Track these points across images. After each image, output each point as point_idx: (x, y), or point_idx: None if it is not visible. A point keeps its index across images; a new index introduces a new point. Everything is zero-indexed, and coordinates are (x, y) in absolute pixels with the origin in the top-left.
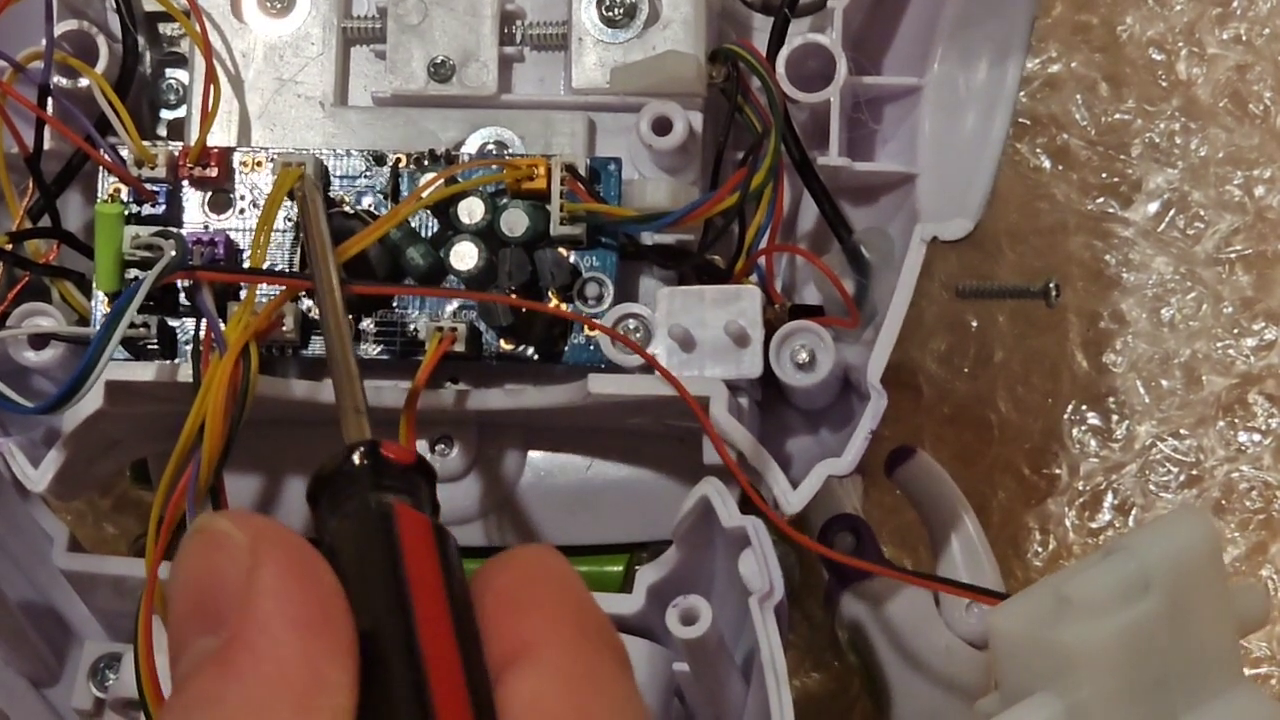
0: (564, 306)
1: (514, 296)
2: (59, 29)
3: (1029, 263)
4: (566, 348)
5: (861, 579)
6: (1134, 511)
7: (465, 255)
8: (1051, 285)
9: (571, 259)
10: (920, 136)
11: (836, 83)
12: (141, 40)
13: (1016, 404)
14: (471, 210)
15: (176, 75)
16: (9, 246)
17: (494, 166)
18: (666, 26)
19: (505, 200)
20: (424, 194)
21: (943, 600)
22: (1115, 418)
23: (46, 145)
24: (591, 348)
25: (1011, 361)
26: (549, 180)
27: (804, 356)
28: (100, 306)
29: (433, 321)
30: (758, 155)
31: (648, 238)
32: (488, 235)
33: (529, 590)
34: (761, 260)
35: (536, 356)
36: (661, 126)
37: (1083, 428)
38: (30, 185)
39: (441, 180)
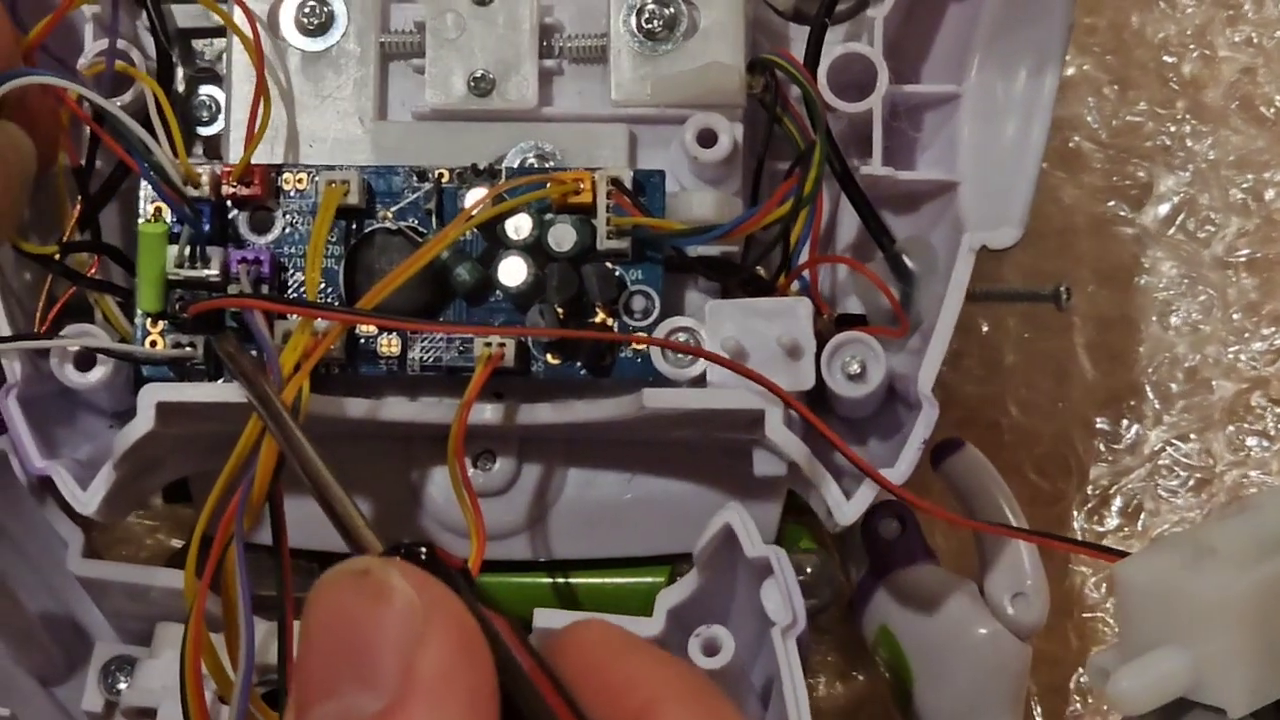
0: (610, 322)
1: (560, 313)
2: (93, 49)
3: (1039, 265)
4: (615, 361)
5: (905, 566)
6: (1142, 516)
7: (513, 271)
8: (1062, 289)
9: (616, 273)
10: (960, 144)
11: (878, 92)
12: (175, 57)
13: (1026, 408)
14: (519, 226)
15: (210, 92)
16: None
17: (539, 182)
18: (706, 38)
19: (550, 215)
20: (472, 214)
21: (988, 589)
22: (1124, 422)
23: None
24: (640, 361)
25: (1021, 365)
26: (595, 194)
27: (855, 368)
28: (143, 327)
29: (480, 338)
30: (806, 166)
31: (692, 250)
32: (534, 250)
33: (619, 654)
34: (805, 271)
35: (585, 371)
36: (706, 139)
37: (1092, 432)
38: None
39: (489, 199)
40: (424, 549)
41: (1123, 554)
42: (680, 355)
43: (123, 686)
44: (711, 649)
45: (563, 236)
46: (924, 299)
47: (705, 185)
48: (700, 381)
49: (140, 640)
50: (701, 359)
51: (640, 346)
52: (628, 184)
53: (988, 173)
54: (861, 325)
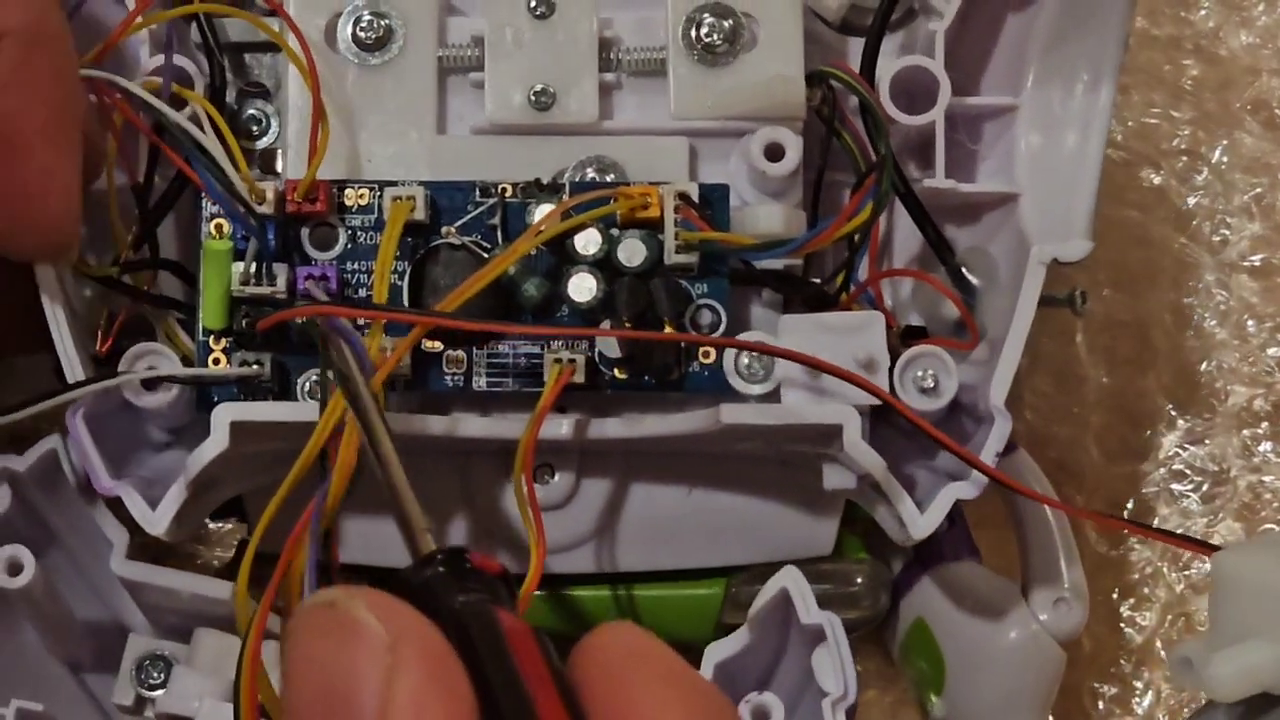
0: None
1: (628, 326)
2: (150, 65)
3: (1054, 270)
4: (684, 375)
5: (950, 561)
6: (1155, 521)
7: (584, 287)
8: (1078, 293)
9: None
10: (1018, 155)
11: (941, 104)
12: (227, 71)
13: (1040, 413)
14: (588, 242)
15: (260, 106)
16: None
17: (606, 197)
18: (765, 50)
19: (616, 230)
20: (541, 230)
21: (1030, 592)
22: (1139, 426)
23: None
24: (708, 375)
25: (1036, 370)
26: (662, 209)
27: (929, 381)
28: (205, 344)
29: (550, 353)
30: (879, 177)
31: (758, 263)
32: (603, 266)
33: (630, 668)
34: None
35: (655, 385)
36: (774, 152)
37: (1104, 436)
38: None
39: (558, 214)
40: (465, 553)
41: (1208, 545)
42: (752, 370)
43: (156, 682)
44: (761, 716)
45: (633, 251)
46: (987, 311)
47: (767, 199)
48: (771, 397)
49: (177, 635)
50: (778, 371)
51: (708, 360)
52: (694, 198)
53: (1048, 184)
54: (924, 338)
